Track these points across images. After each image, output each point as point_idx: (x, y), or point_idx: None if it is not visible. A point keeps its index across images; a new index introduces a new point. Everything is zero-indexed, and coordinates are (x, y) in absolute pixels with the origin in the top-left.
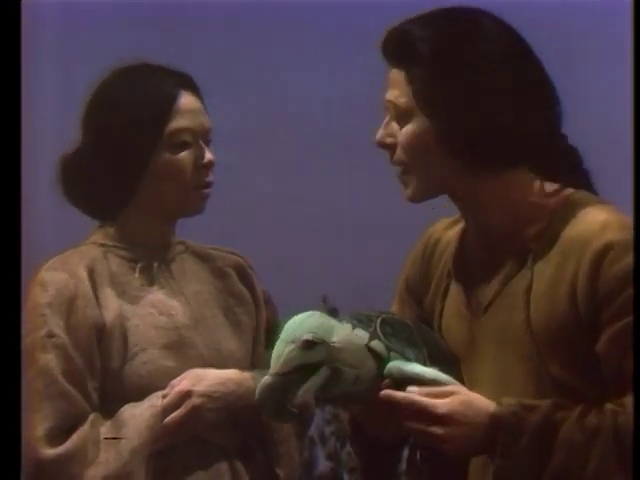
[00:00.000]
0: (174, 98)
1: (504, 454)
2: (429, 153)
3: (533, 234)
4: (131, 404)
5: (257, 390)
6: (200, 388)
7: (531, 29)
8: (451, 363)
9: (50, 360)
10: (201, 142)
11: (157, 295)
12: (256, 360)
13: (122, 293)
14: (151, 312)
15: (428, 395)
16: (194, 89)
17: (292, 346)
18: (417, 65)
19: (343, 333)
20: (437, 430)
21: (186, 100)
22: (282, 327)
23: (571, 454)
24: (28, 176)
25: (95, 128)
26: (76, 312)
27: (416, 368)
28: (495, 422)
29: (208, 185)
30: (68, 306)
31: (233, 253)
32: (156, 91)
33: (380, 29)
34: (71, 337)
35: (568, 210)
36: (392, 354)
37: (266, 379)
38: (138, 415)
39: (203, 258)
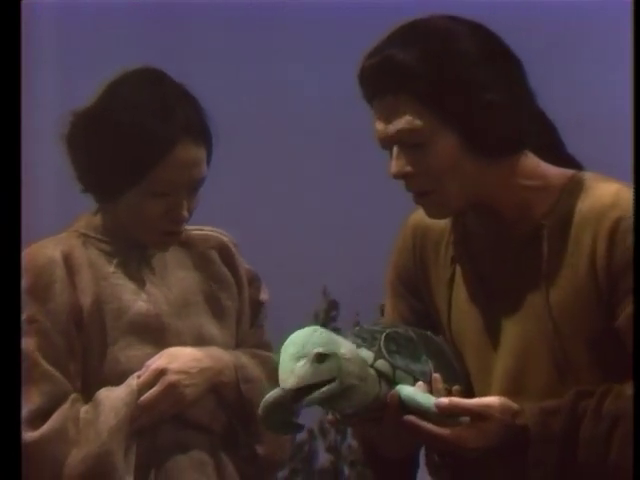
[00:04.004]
0: (167, 150)
1: (536, 464)
2: (460, 166)
3: (544, 211)
4: (107, 387)
5: (261, 406)
6: (175, 365)
7: (531, 29)
8: (458, 375)
9: (31, 344)
10: (183, 194)
11: (138, 284)
12: (240, 341)
13: (103, 279)
14: (133, 298)
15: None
16: (198, 135)
17: (303, 361)
18: (425, 85)
19: (349, 346)
20: (466, 454)
21: (181, 151)
22: (283, 345)
23: (593, 447)
24: (28, 172)
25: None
26: (54, 297)
27: (430, 400)
28: (522, 434)
29: (174, 234)
30: (46, 291)
31: (217, 232)
32: (155, 132)
33: (379, 29)
34: (51, 321)
35: (576, 186)
36: (398, 372)
37: (270, 395)
38: (114, 396)
39: (186, 245)
